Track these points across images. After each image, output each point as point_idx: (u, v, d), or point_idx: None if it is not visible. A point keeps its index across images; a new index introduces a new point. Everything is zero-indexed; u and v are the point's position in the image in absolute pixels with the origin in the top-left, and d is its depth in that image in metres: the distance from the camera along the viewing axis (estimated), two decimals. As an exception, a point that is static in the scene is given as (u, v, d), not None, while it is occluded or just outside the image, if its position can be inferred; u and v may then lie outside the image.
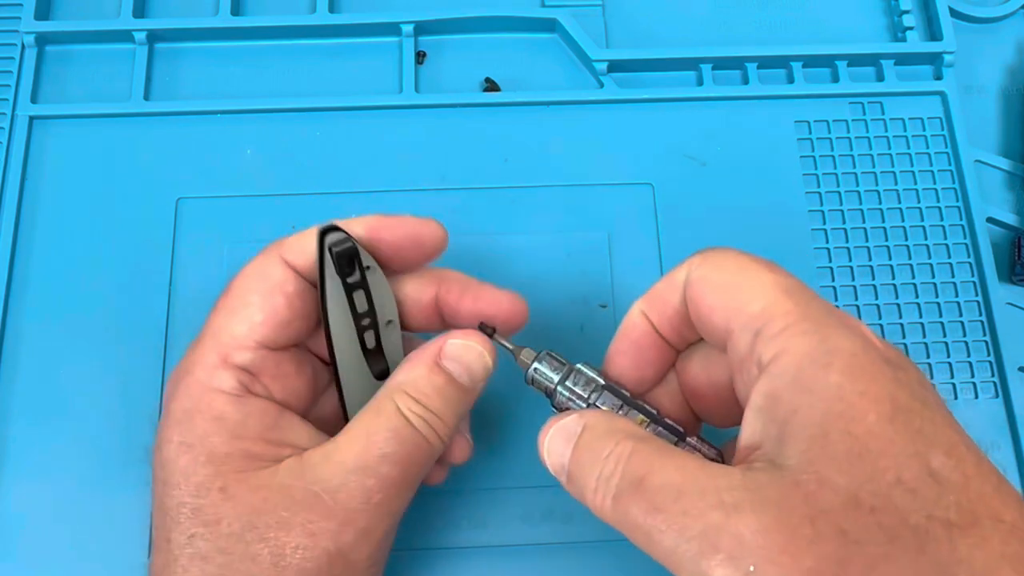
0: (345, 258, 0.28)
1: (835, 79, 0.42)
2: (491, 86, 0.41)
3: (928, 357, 0.37)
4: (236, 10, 0.42)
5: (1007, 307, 0.38)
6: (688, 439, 0.27)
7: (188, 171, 0.39)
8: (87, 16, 0.42)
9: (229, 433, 0.27)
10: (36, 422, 0.35)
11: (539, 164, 0.40)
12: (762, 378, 0.23)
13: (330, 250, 0.27)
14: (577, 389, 0.27)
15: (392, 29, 0.42)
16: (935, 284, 0.38)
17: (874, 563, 0.20)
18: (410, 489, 0.28)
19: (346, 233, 0.28)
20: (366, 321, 0.29)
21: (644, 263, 0.38)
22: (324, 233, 0.28)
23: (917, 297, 0.38)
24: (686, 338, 0.28)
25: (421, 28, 0.42)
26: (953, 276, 0.39)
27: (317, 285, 0.28)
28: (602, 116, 0.41)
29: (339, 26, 0.41)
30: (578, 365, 0.28)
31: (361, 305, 0.29)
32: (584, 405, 0.27)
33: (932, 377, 0.37)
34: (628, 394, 0.27)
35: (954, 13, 0.43)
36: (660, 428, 0.26)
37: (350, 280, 0.28)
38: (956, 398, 0.37)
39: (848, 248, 0.39)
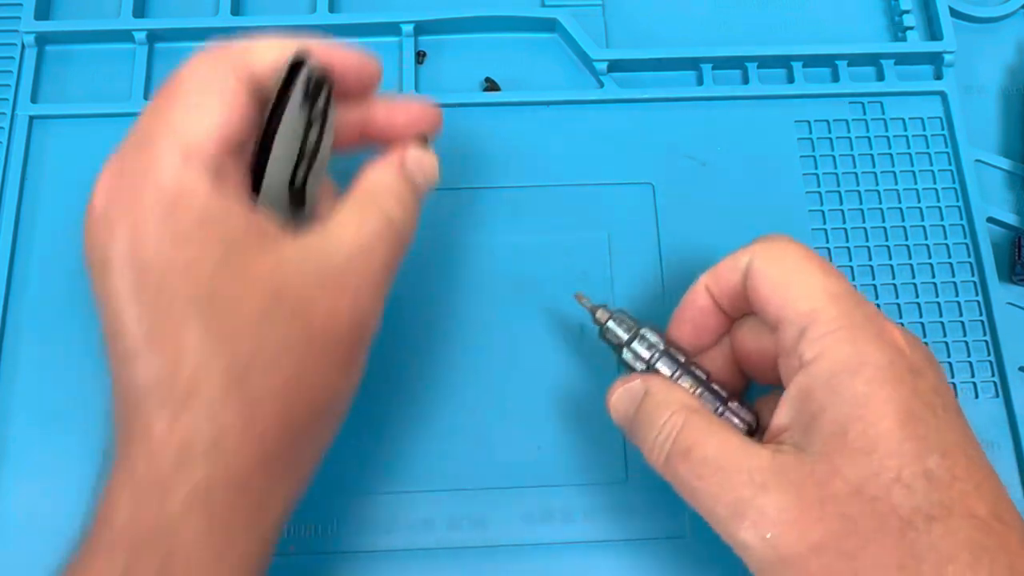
0: (319, 87, 0.28)
1: (835, 79, 0.42)
2: (491, 86, 0.41)
3: (928, 357, 0.37)
4: (236, 10, 0.42)
5: (1007, 307, 0.38)
6: (730, 404, 0.30)
7: (188, 171, 0.39)
8: (87, 16, 0.42)
9: (223, 222, 0.26)
10: (36, 422, 0.35)
11: (539, 164, 0.40)
12: (801, 373, 0.27)
13: (308, 77, 0.27)
14: (641, 351, 0.31)
15: (392, 29, 0.42)
16: (935, 284, 0.38)
17: (865, 543, 0.25)
18: (391, 280, 0.29)
19: (324, 68, 0.28)
20: (309, 154, 0.29)
21: (644, 263, 0.38)
22: (297, 64, 0.27)
23: (917, 297, 0.38)
24: (741, 310, 0.31)
25: (421, 28, 0.42)
26: (953, 276, 0.39)
27: (271, 104, 0.27)
28: (602, 116, 0.41)
29: (339, 26, 0.41)
30: (643, 329, 0.31)
31: (311, 140, 0.29)
32: (644, 366, 0.31)
33: (932, 377, 0.37)
34: (684, 359, 0.31)
35: (954, 13, 0.43)
36: (707, 392, 0.30)
37: (313, 112, 0.28)
38: (957, 397, 0.37)
39: (848, 248, 0.39)
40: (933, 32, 0.43)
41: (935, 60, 0.42)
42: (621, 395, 0.30)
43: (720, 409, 0.30)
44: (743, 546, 0.26)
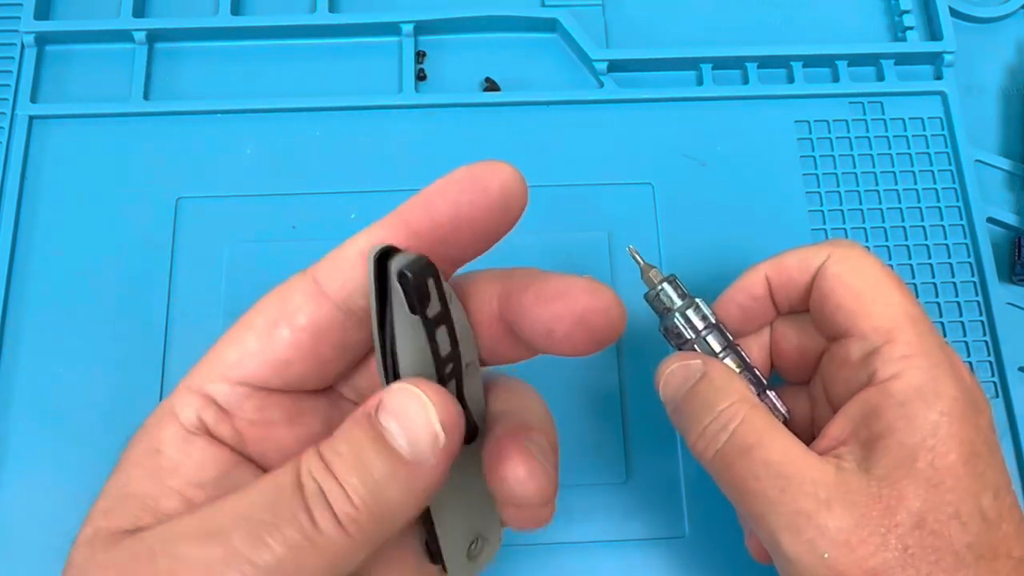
0: (422, 287, 0.20)
1: (835, 79, 0.42)
2: (491, 86, 0.41)
3: (928, 357, 0.37)
4: (236, 10, 0.42)
5: (1007, 307, 0.38)
6: (768, 392, 0.29)
7: (188, 171, 0.39)
8: (87, 16, 0.42)
9: (152, 470, 0.21)
10: (36, 422, 0.35)
11: (540, 164, 0.40)
12: (870, 391, 0.26)
13: (401, 277, 0.19)
14: (694, 320, 0.29)
15: (392, 29, 0.42)
16: (935, 284, 0.38)
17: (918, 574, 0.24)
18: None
19: (418, 254, 0.20)
20: (448, 368, 0.21)
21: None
22: (384, 256, 0.20)
23: (917, 297, 0.38)
24: (793, 307, 0.30)
25: (421, 28, 0.42)
26: (953, 276, 0.39)
27: (372, 320, 0.20)
28: (602, 116, 0.41)
29: (339, 26, 0.41)
30: (698, 300, 0.30)
31: (444, 346, 0.21)
32: (693, 335, 0.29)
33: (932, 377, 0.37)
34: (731, 339, 0.30)
35: (954, 13, 0.43)
36: (749, 375, 0.29)
37: (430, 315, 0.20)
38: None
39: (848, 248, 0.39)
40: (933, 32, 0.43)
41: (935, 60, 0.42)
42: (676, 371, 0.28)
43: (759, 394, 0.29)
44: (792, 559, 0.25)
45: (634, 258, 0.31)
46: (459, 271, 0.23)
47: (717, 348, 0.29)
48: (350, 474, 0.19)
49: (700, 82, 0.41)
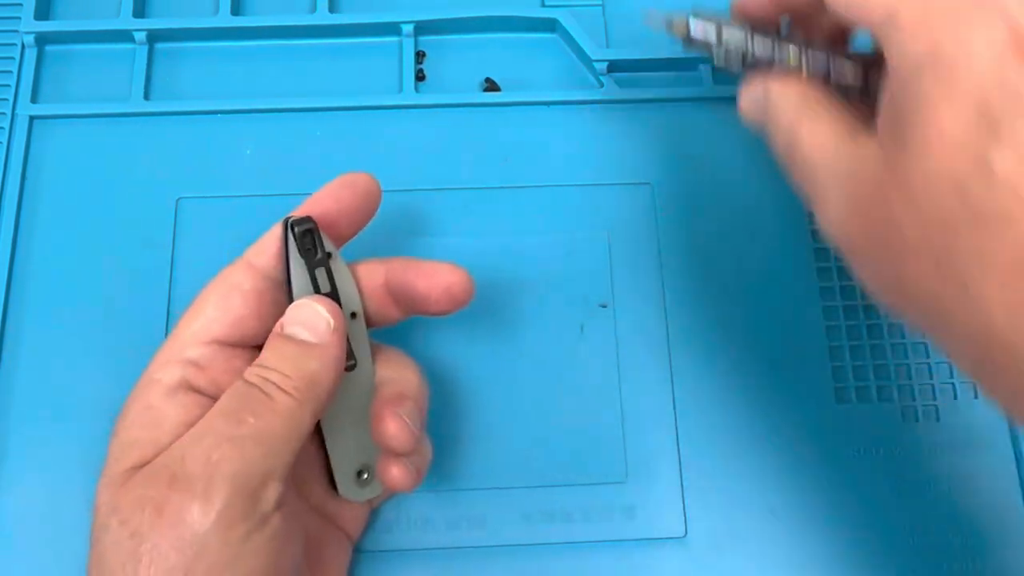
0: (308, 237, 0.30)
1: (835, 79, 0.42)
2: (491, 86, 0.41)
3: (928, 357, 0.37)
4: (236, 10, 0.42)
5: (1007, 307, 0.38)
6: (834, 59, 0.29)
7: (188, 171, 0.39)
8: (87, 16, 0.42)
9: (148, 421, 0.28)
10: (36, 422, 0.35)
11: (539, 164, 0.40)
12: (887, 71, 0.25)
13: (291, 229, 0.30)
14: (735, 36, 0.31)
15: (392, 29, 0.42)
16: (935, 284, 0.38)
17: (905, 246, 0.23)
18: (252, 448, 0.26)
19: (306, 216, 0.30)
20: None
21: (644, 263, 0.38)
22: (287, 219, 0.30)
23: (917, 297, 0.38)
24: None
25: (421, 28, 0.42)
26: (953, 276, 0.39)
27: (283, 272, 0.30)
28: (602, 116, 0.41)
29: (339, 26, 0.41)
30: (722, 21, 0.31)
31: (324, 285, 0.30)
32: (742, 58, 0.31)
33: (931, 377, 0.37)
34: (774, 33, 0.30)
35: (954, 13, 0.43)
36: (813, 52, 0.29)
37: (313, 259, 0.30)
38: (956, 398, 0.37)
39: (848, 248, 0.39)
40: (933, 32, 0.43)
41: (935, 60, 0.42)
42: (746, 100, 0.31)
43: (829, 57, 0.29)
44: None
45: (652, 23, 0.32)
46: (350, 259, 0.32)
47: (767, 54, 0.30)
48: (279, 364, 0.28)
49: (700, 82, 0.41)
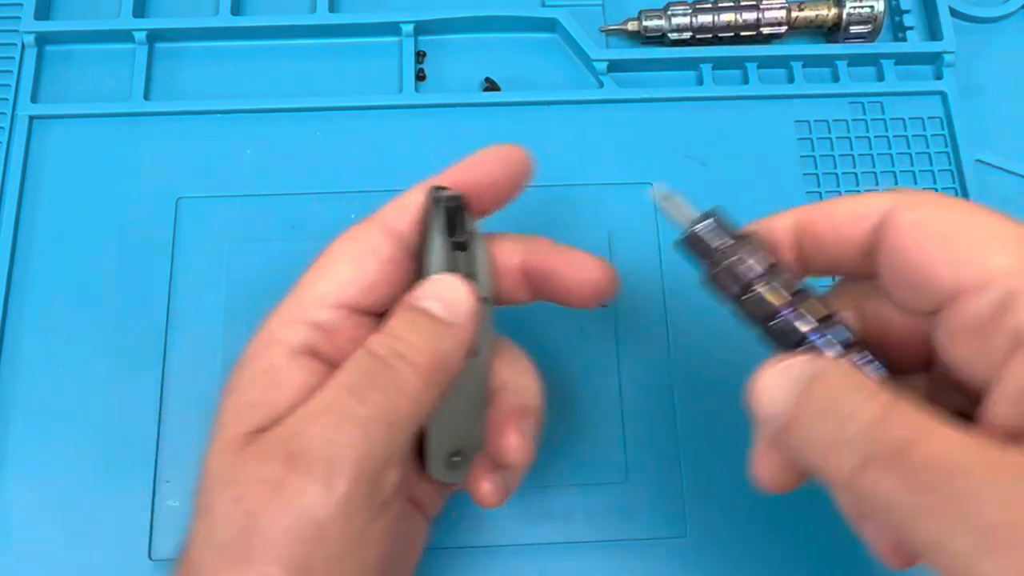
0: (456, 214, 0.27)
1: (835, 79, 0.42)
2: (491, 86, 0.41)
3: (928, 357, 0.37)
4: (236, 10, 0.42)
5: (1007, 307, 0.38)
6: (863, 351, 0.23)
7: (188, 171, 0.39)
8: (87, 16, 0.42)
9: (270, 383, 0.25)
10: (36, 422, 0.35)
11: (539, 164, 0.40)
12: (1020, 358, 0.19)
13: (439, 203, 0.27)
14: (753, 262, 0.24)
15: (392, 29, 0.42)
16: (935, 284, 0.38)
17: None
18: (377, 428, 0.24)
19: (456, 192, 0.28)
20: None
21: (644, 263, 0.38)
22: (434, 190, 0.28)
23: (917, 297, 0.38)
24: (836, 270, 0.25)
25: (421, 28, 0.42)
26: (953, 276, 0.39)
27: (420, 242, 0.28)
28: (602, 116, 0.41)
29: (339, 26, 0.41)
30: (746, 237, 0.25)
31: (463, 268, 0.28)
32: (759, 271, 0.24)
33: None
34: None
35: (954, 13, 0.43)
36: (834, 330, 0.23)
37: (457, 239, 0.27)
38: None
39: (848, 248, 0.39)
40: (933, 32, 0.43)
41: (935, 60, 0.42)
42: (776, 377, 0.22)
43: (847, 352, 0.23)
44: None
45: (667, 209, 0.26)
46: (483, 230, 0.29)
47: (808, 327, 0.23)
48: (411, 336, 0.25)
49: (700, 82, 0.41)
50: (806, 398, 0.21)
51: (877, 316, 0.24)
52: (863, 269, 0.24)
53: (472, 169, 0.28)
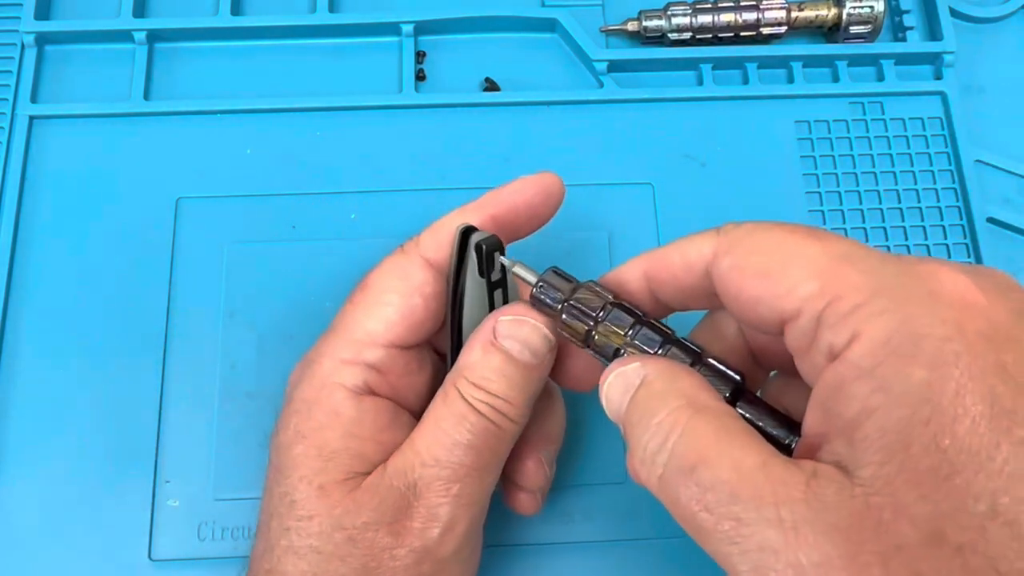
0: (490, 256, 0.28)
1: (835, 79, 0.42)
2: (491, 86, 0.41)
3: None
4: (236, 10, 0.42)
5: (1007, 307, 0.38)
6: (707, 360, 0.24)
7: (188, 171, 0.39)
8: (87, 16, 0.42)
9: (343, 429, 0.27)
10: (36, 422, 0.35)
11: (539, 164, 0.39)
12: (829, 370, 0.20)
13: (477, 248, 0.27)
14: (589, 301, 0.26)
15: (392, 29, 0.42)
16: (935, 284, 0.38)
17: None
18: (488, 475, 0.27)
19: (491, 234, 0.28)
20: None
21: (644, 263, 0.38)
22: (466, 232, 0.28)
23: (917, 297, 0.38)
24: (689, 307, 0.26)
25: (421, 28, 0.42)
26: (953, 276, 0.39)
27: (450, 282, 0.28)
28: (602, 116, 0.41)
29: (339, 26, 0.41)
30: (585, 283, 0.26)
31: (498, 304, 0.29)
32: (592, 317, 0.25)
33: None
34: (641, 313, 0.25)
35: (954, 13, 0.43)
36: (674, 350, 0.24)
37: (492, 280, 0.28)
38: None
39: (848, 248, 0.39)
40: (933, 32, 0.43)
41: (935, 60, 0.42)
42: (613, 383, 0.24)
43: (693, 364, 0.24)
44: None
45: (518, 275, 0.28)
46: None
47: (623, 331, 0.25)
48: (507, 390, 0.27)
49: (700, 82, 0.41)
50: (632, 404, 0.23)
51: (749, 335, 0.26)
52: (714, 304, 0.25)
53: (511, 198, 0.29)
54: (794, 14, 0.42)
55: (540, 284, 0.27)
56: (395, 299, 0.28)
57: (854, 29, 0.41)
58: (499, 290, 0.29)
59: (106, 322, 0.36)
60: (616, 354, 0.25)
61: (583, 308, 0.26)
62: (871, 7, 0.41)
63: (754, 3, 0.41)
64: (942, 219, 0.39)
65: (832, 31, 0.43)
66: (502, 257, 0.28)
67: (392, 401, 0.28)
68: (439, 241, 0.28)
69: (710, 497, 0.20)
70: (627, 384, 0.23)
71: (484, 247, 0.27)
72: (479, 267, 0.28)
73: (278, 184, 0.39)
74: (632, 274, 0.26)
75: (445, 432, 0.26)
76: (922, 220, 0.39)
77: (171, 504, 0.34)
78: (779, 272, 0.21)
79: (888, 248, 0.39)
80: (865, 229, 0.39)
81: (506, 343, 0.27)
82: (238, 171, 0.39)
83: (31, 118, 0.40)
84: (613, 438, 0.35)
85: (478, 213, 0.29)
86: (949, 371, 0.18)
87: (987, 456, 0.17)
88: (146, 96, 0.40)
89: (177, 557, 0.33)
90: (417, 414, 0.29)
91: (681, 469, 0.21)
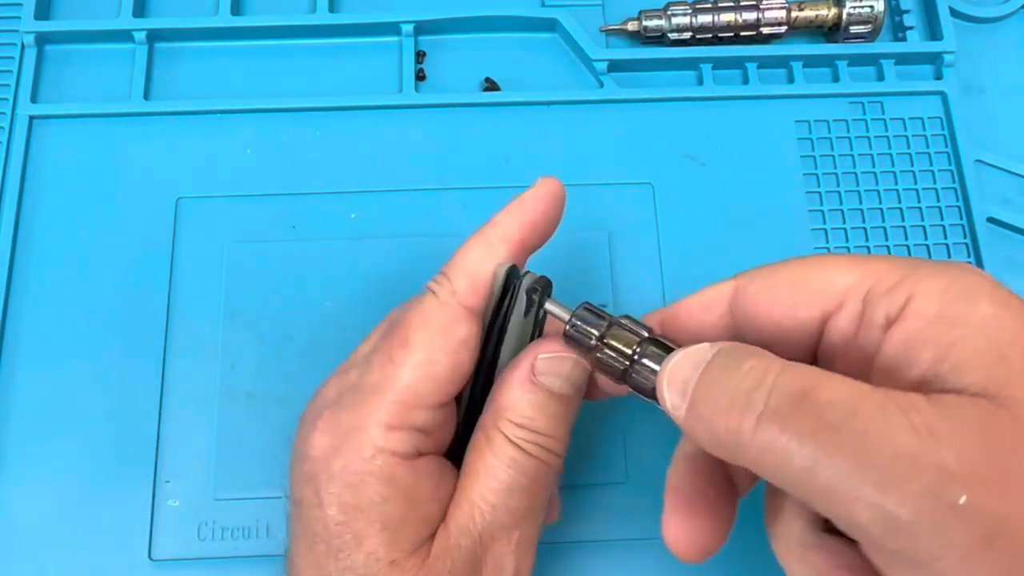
0: (541, 301, 0.27)
1: (835, 79, 0.42)
2: (491, 86, 0.41)
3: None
4: (236, 10, 0.42)
5: (1007, 307, 0.38)
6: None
7: (188, 171, 0.39)
8: (87, 16, 0.42)
9: (404, 498, 0.26)
10: (36, 423, 0.35)
11: (539, 164, 0.40)
12: (893, 332, 0.21)
13: (530, 292, 0.27)
14: (623, 338, 0.25)
15: (392, 29, 0.42)
16: (935, 284, 0.38)
17: None
18: (542, 513, 0.28)
19: (541, 276, 0.28)
20: None
21: (644, 263, 0.38)
22: (510, 273, 0.27)
23: (917, 297, 0.38)
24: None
25: (421, 28, 0.42)
26: (953, 276, 0.39)
27: (485, 322, 0.28)
28: (602, 116, 0.41)
29: (339, 26, 0.41)
30: (618, 319, 0.26)
31: (532, 337, 0.29)
32: (628, 356, 0.25)
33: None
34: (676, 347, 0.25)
35: (954, 13, 0.43)
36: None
37: (538, 318, 0.28)
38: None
39: (848, 248, 0.39)
40: (933, 32, 0.43)
41: (935, 60, 0.42)
42: (680, 361, 0.23)
43: None
44: (909, 524, 0.17)
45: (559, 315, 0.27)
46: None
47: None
48: (552, 428, 0.27)
49: (700, 82, 0.41)
50: (707, 369, 0.22)
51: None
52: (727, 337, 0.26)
53: (530, 218, 0.28)
54: (794, 14, 0.42)
55: (573, 322, 0.26)
56: (442, 357, 0.26)
57: (854, 29, 0.41)
58: (537, 329, 0.29)
59: (106, 322, 0.36)
60: (653, 393, 0.25)
61: (618, 346, 0.25)
62: (871, 7, 0.41)
63: (754, 3, 0.41)
64: (942, 219, 0.39)
65: (832, 31, 0.43)
66: (547, 297, 0.28)
67: (436, 455, 0.28)
68: (476, 287, 0.27)
69: (830, 415, 0.19)
70: (697, 360, 0.22)
71: (539, 289, 0.27)
72: (527, 310, 0.28)
73: (278, 184, 0.39)
74: (650, 321, 0.27)
75: (497, 479, 0.26)
76: (922, 220, 0.39)
77: (171, 504, 0.34)
78: (812, 276, 0.23)
79: (888, 248, 0.39)
80: (865, 229, 0.39)
81: (545, 379, 0.27)
82: (238, 171, 0.39)
83: (31, 118, 0.40)
84: (613, 438, 0.35)
85: (505, 244, 0.28)
86: (1010, 307, 0.20)
87: None
88: (146, 96, 0.40)
89: (177, 557, 0.33)
90: (449, 455, 0.28)
91: (791, 398, 0.19)
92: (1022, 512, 0.17)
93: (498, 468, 0.26)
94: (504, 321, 0.28)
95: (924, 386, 0.20)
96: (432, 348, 0.26)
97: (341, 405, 0.27)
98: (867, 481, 0.18)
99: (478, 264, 0.27)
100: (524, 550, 0.27)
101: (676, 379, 0.23)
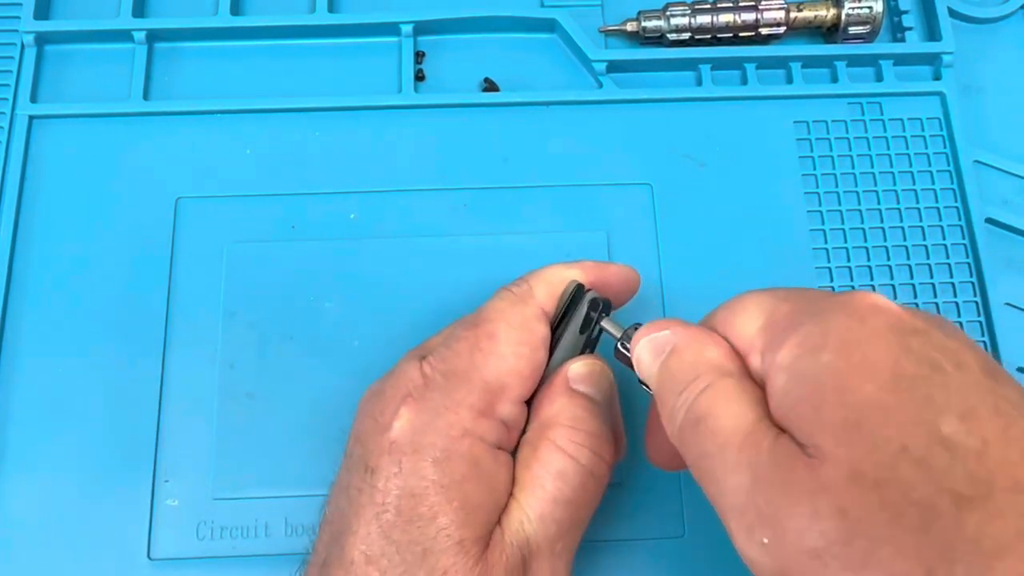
0: (598, 319, 0.30)
1: (834, 79, 0.42)
2: (490, 86, 0.41)
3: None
4: (236, 10, 0.42)
5: (1005, 307, 0.38)
6: None
7: (188, 171, 0.39)
8: (86, 16, 0.42)
9: (486, 483, 0.27)
10: (35, 422, 0.35)
11: (539, 164, 0.40)
12: (765, 386, 0.23)
13: (593, 304, 0.30)
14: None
15: (392, 29, 0.42)
16: (933, 285, 0.38)
17: (874, 546, 0.19)
18: (584, 527, 0.29)
19: (604, 296, 0.30)
20: None
21: (644, 263, 0.38)
22: (579, 289, 0.30)
23: (916, 298, 0.38)
24: None
25: (421, 28, 0.42)
26: (952, 276, 0.39)
27: (552, 326, 0.30)
28: (602, 116, 0.41)
29: (339, 26, 0.41)
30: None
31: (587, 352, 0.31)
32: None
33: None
34: None
35: (953, 13, 0.43)
36: None
37: (592, 337, 0.30)
38: (990, 358, 0.37)
39: (847, 248, 0.39)
40: (932, 32, 0.43)
41: (934, 60, 0.42)
42: (644, 346, 0.27)
43: None
44: (746, 558, 0.22)
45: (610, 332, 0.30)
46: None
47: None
48: (595, 428, 0.29)
49: (699, 82, 0.42)
50: (662, 368, 0.26)
51: None
52: None
53: (609, 271, 0.32)
54: (793, 14, 0.42)
55: (623, 341, 0.29)
56: (526, 352, 0.29)
57: (853, 29, 0.42)
58: (589, 348, 0.31)
59: (106, 322, 0.37)
60: None
61: None
62: (870, 7, 0.41)
63: (753, 3, 0.41)
64: (940, 219, 0.39)
65: (831, 31, 0.43)
66: (605, 316, 0.30)
67: (509, 453, 0.29)
68: (552, 293, 0.30)
69: (709, 443, 0.23)
70: (657, 350, 0.26)
71: (601, 305, 0.30)
72: (584, 322, 0.30)
73: (278, 184, 0.39)
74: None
75: (545, 489, 0.28)
76: (920, 220, 0.39)
77: (170, 503, 0.34)
78: (730, 322, 0.26)
79: (887, 249, 0.39)
80: (864, 229, 0.39)
81: (582, 387, 0.29)
82: (238, 171, 0.39)
83: (31, 118, 0.40)
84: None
85: (590, 274, 0.31)
86: (852, 351, 0.21)
87: (890, 408, 0.20)
88: (146, 96, 0.40)
89: (176, 556, 0.34)
90: None
91: (692, 421, 0.24)
92: (802, 554, 0.20)
93: (546, 479, 0.28)
94: (560, 333, 0.30)
95: (783, 423, 0.22)
96: (517, 343, 0.29)
97: (430, 385, 0.28)
98: (723, 509, 0.23)
99: (556, 277, 0.30)
100: (565, 562, 0.28)
101: (643, 364, 0.27)
